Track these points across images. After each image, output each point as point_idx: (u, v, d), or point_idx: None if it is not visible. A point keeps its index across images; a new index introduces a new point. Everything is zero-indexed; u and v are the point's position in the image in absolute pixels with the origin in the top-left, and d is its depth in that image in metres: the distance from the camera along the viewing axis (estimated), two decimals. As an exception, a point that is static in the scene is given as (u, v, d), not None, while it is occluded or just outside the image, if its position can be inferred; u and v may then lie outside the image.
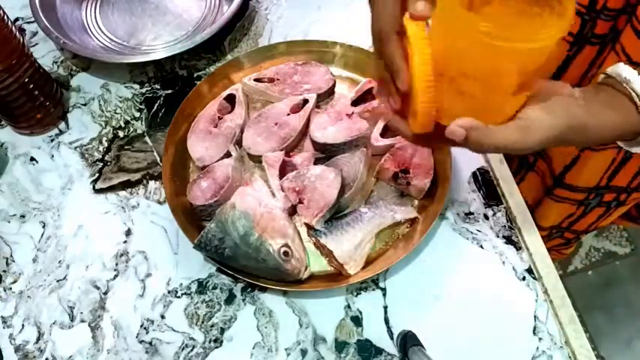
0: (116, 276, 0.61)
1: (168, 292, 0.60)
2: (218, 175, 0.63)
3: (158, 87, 0.75)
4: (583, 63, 0.58)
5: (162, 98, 0.74)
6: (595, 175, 0.68)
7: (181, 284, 0.60)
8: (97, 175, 0.68)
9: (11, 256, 0.63)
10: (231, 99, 0.69)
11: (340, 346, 0.57)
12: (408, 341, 0.52)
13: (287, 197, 0.61)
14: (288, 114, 0.67)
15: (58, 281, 0.61)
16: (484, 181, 0.66)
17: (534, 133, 0.40)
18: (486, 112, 0.41)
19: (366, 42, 0.76)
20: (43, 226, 0.65)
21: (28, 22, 0.81)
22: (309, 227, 0.61)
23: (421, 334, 0.53)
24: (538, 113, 0.41)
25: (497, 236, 0.62)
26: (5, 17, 0.60)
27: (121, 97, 0.74)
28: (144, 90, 0.75)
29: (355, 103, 0.67)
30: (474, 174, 0.66)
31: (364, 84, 0.68)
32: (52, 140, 0.71)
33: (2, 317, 0.59)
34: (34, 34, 0.80)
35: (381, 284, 0.60)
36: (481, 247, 0.61)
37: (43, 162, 0.70)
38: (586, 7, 0.52)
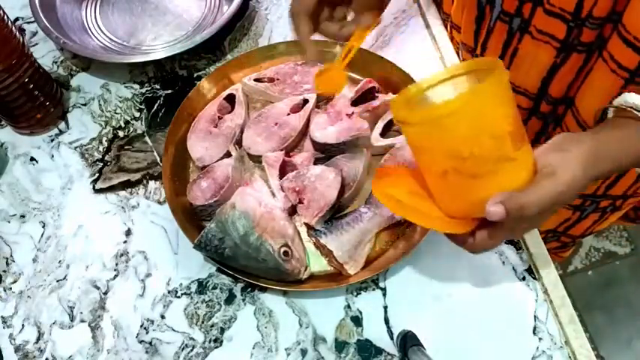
0: (116, 276, 0.61)
1: (169, 292, 0.60)
2: (218, 175, 0.63)
3: (158, 87, 0.75)
4: (570, 71, 0.59)
5: (162, 98, 0.74)
6: (593, 184, 0.68)
7: (181, 284, 0.60)
8: (97, 175, 0.68)
9: (11, 256, 0.63)
10: (231, 99, 0.69)
11: (340, 346, 0.57)
12: (408, 341, 0.52)
13: (287, 197, 0.61)
14: (288, 114, 0.67)
15: (58, 281, 0.61)
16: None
17: (563, 172, 0.41)
18: (506, 180, 0.42)
19: (366, 41, 0.76)
20: (43, 226, 0.65)
21: (28, 22, 0.81)
22: (309, 227, 0.61)
23: (421, 334, 0.53)
24: (553, 155, 0.42)
25: (497, 236, 0.62)
26: (5, 17, 0.60)
27: (121, 97, 0.74)
28: (144, 90, 0.75)
29: (355, 103, 0.67)
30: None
31: (364, 84, 0.68)
32: (52, 140, 0.71)
33: (2, 317, 0.59)
34: (34, 34, 0.80)
35: (381, 284, 0.60)
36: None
37: (43, 162, 0.70)
38: (571, 13, 0.52)
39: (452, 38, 0.77)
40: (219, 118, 0.68)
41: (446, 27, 0.77)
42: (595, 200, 0.71)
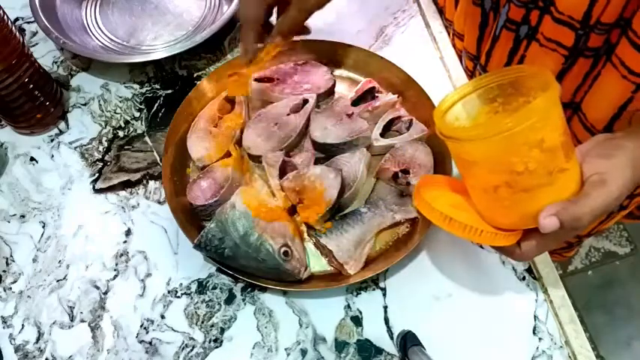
0: (116, 276, 0.61)
1: (168, 292, 0.60)
2: (218, 175, 0.63)
3: (158, 87, 0.75)
4: (577, 75, 0.58)
5: (162, 98, 0.74)
6: None
7: (181, 284, 0.60)
8: (97, 175, 0.68)
9: (11, 256, 0.63)
10: (231, 99, 0.69)
11: (340, 345, 0.57)
12: (408, 341, 0.52)
13: (287, 197, 0.61)
14: (288, 114, 0.67)
15: (58, 281, 0.61)
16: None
17: (612, 180, 0.41)
18: (558, 191, 0.42)
19: (365, 41, 0.77)
20: (43, 226, 0.65)
21: (28, 22, 0.81)
22: (309, 227, 0.61)
23: (421, 334, 0.53)
24: (599, 162, 0.43)
25: (497, 236, 0.62)
26: (5, 17, 0.60)
27: (120, 97, 0.74)
28: (144, 90, 0.75)
29: (355, 103, 0.67)
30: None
31: (364, 84, 0.68)
32: (52, 140, 0.71)
33: (2, 317, 0.59)
34: (34, 34, 0.80)
35: (381, 284, 0.60)
36: (481, 247, 0.61)
37: (43, 162, 0.70)
38: (579, 21, 0.52)
39: (454, 45, 0.76)
40: (219, 118, 0.68)
41: (448, 34, 0.77)
42: None
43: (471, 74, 0.75)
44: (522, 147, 0.39)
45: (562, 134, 0.40)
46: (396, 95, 0.67)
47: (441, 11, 0.79)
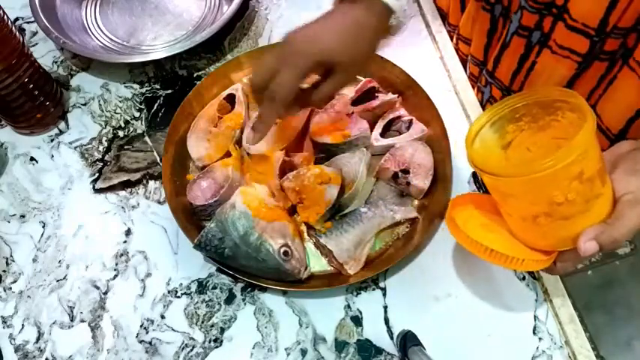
0: (116, 276, 0.61)
1: (168, 292, 0.60)
2: (218, 175, 0.63)
3: (158, 87, 0.75)
4: (591, 79, 0.58)
5: (162, 98, 0.74)
6: None
7: (181, 284, 0.60)
8: (96, 175, 0.68)
9: (11, 256, 0.63)
10: (231, 99, 0.69)
11: (340, 345, 0.57)
12: (408, 341, 0.52)
13: (287, 197, 0.61)
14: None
15: (57, 281, 0.61)
16: (484, 181, 0.65)
17: None
18: (595, 215, 0.43)
19: (366, 42, 0.76)
20: (43, 226, 0.65)
21: (28, 22, 0.81)
22: (309, 227, 0.61)
23: (421, 334, 0.53)
24: (629, 181, 0.43)
25: (497, 236, 0.62)
26: (5, 17, 0.60)
27: (120, 97, 0.74)
28: (144, 90, 0.75)
29: (355, 103, 0.67)
30: (473, 174, 0.66)
31: (364, 84, 0.68)
32: (52, 140, 0.71)
33: (2, 317, 0.59)
34: (34, 33, 0.80)
35: (381, 284, 0.60)
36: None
37: (43, 162, 0.70)
38: (595, 29, 0.52)
39: (457, 50, 0.76)
40: (219, 118, 0.68)
41: (451, 38, 0.77)
42: None
43: (475, 80, 0.74)
44: (563, 181, 0.40)
45: (598, 162, 0.41)
46: (396, 95, 0.67)
47: (444, 17, 0.79)
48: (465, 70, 0.74)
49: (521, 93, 0.45)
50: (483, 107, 0.71)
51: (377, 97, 0.67)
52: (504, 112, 0.46)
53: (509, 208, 0.46)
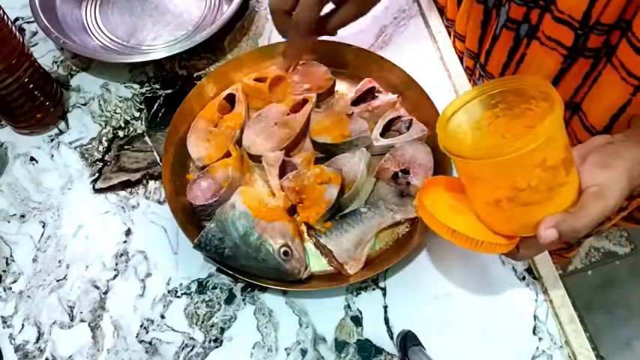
0: (116, 276, 0.61)
1: (168, 291, 0.60)
2: (218, 175, 0.63)
3: (158, 87, 0.75)
4: (577, 75, 0.59)
5: (162, 98, 0.74)
6: None
7: (181, 284, 0.60)
8: (96, 175, 0.68)
9: (11, 256, 0.63)
10: (231, 99, 0.69)
11: (340, 345, 0.57)
12: (408, 341, 0.52)
13: (287, 197, 0.61)
14: (288, 114, 0.67)
15: (57, 281, 0.61)
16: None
17: (611, 191, 0.42)
18: (557, 203, 0.43)
19: (365, 41, 0.77)
20: (43, 226, 0.65)
21: (28, 22, 0.81)
22: (309, 227, 0.61)
23: (421, 334, 0.53)
24: (598, 173, 0.43)
25: (497, 236, 0.62)
26: (5, 17, 0.60)
27: (120, 97, 0.74)
28: (144, 90, 0.75)
29: (355, 103, 0.67)
30: (473, 174, 0.66)
31: (364, 84, 0.68)
32: (52, 140, 0.71)
33: (2, 317, 0.59)
34: (34, 33, 0.80)
35: (381, 284, 0.60)
36: (481, 247, 0.61)
37: (43, 162, 0.70)
38: (579, 21, 0.52)
39: (454, 47, 0.76)
40: (219, 118, 0.68)
41: (449, 34, 0.77)
42: None
43: (471, 73, 0.74)
44: (526, 167, 0.40)
45: (564, 151, 0.41)
46: (396, 95, 0.67)
47: (441, 11, 0.79)
48: (462, 64, 0.75)
49: (497, 79, 0.45)
50: None
51: (377, 97, 0.68)
52: (480, 98, 0.46)
53: (476, 191, 0.47)
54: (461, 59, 0.76)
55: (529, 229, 0.45)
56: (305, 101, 0.68)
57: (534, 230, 0.44)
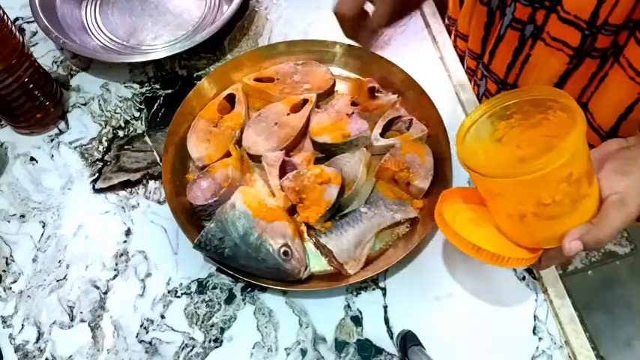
0: (116, 276, 0.61)
1: (168, 291, 0.60)
2: (218, 175, 0.63)
3: (158, 87, 0.75)
4: (583, 76, 0.58)
5: (162, 98, 0.74)
6: None
7: (181, 284, 0.60)
8: (96, 174, 0.68)
9: (11, 255, 0.63)
10: (231, 99, 0.69)
11: (340, 345, 0.57)
12: (407, 341, 0.52)
13: (287, 197, 0.61)
14: (288, 114, 0.67)
15: (57, 281, 0.61)
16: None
17: (631, 199, 0.43)
18: (581, 215, 0.43)
19: (366, 42, 0.76)
20: (43, 226, 0.65)
21: (28, 22, 0.81)
22: (309, 227, 0.61)
23: (421, 334, 0.53)
24: (617, 180, 0.44)
25: (497, 236, 0.62)
26: (5, 17, 0.60)
27: (120, 97, 0.74)
28: (144, 90, 0.75)
29: (355, 103, 0.67)
30: (473, 174, 0.66)
31: (364, 83, 0.68)
32: (52, 140, 0.71)
33: (2, 317, 0.59)
34: (34, 33, 0.80)
35: (381, 284, 0.60)
36: (481, 247, 0.61)
37: (43, 162, 0.70)
38: (586, 22, 0.52)
39: (455, 46, 0.76)
40: (220, 118, 0.68)
41: (449, 33, 0.77)
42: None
43: (472, 73, 0.74)
44: (552, 183, 0.40)
45: (586, 163, 0.41)
46: (396, 95, 0.67)
47: (441, 10, 0.79)
48: (463, 65, 0.75)
49: (512, 90, 0.45)
50: (480, 100, 0.71)
51: (377, 97, 0.68)
52: (496, 109, 0.46)
53: (497, 206, 0.47)
54: (462, 58, 0.75)
55: (553, 241, 0.45)
56: (305, 101, 0.68)
57: (558, 242, 0.44)
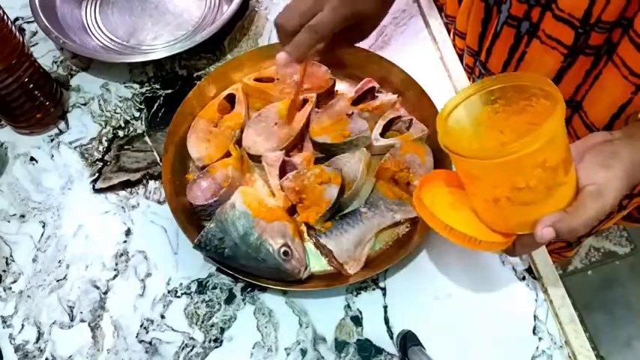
0: (116, 276, 0.61)
1: (168, 291, 0.60)
2: (218, 175, 0.63)
3: (158, 87, 0.75)
4: (578, 73, 0.58)
5: (162, 98, 0.74)
6: None
7: (181, 284, 0.60)
8: (96, 174, 0.68)
9: (11, 255, 0.63)
10: (231, 99, 0.69)
11: (340, 345, 0.57)
12: (407, 341, 0.52)
13: (287, 197, 0.61)
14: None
15: (57, 281, 0.61)
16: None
17: (608, 192, 0.43)
18: (555, 202, 0.43)
19: (365, 41, 0.76)
20: (43, 226, 0.65)
21: (28, 22, 0.81)
22: (309, 227, 0.61)
23: (421, 334, 0.53)
24: (597, 172, 0.44)
25: (497, 236, 0.62)
26: (5, 17, 0.60)
27: (120, 97, 0.74)
28: (144, 90, 0.75)
29: (355, 102, 0.67)
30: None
31: (364, 83, 0.68)
32: (52, 140, 0.71)
33: (2, 317, 0.59)
34: (34, 33, 0.80)
35: (381, 284, 0.60)
36: (481, 247, 0.61)
37: (43, 162, 0.70)
38: (580, 20, 0.52)
39: (454, 45, 0.76)
40: (220, 117, 0.68)
41: (449, 31, 0.77)
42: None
43: (470, 71, 0.74)
44: (527, 168, 0.40)
45: (564, 152, 0.41)
46: (396, 95, 0.67)
47: (440, 9, 0.79)
48: (462, 63, 0.75)
49: (497, 76, 0.45)
50: None
51: (377, 97, 0.68)
52: (480, 94, 0.46)
53: (475, 189, 0.47)
54: (460, 57, 0.76)
55: (527, 227, 0.45)
56: (305, 101, 0.68)
57: (531, 228, 0.44)
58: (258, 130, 0.66)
